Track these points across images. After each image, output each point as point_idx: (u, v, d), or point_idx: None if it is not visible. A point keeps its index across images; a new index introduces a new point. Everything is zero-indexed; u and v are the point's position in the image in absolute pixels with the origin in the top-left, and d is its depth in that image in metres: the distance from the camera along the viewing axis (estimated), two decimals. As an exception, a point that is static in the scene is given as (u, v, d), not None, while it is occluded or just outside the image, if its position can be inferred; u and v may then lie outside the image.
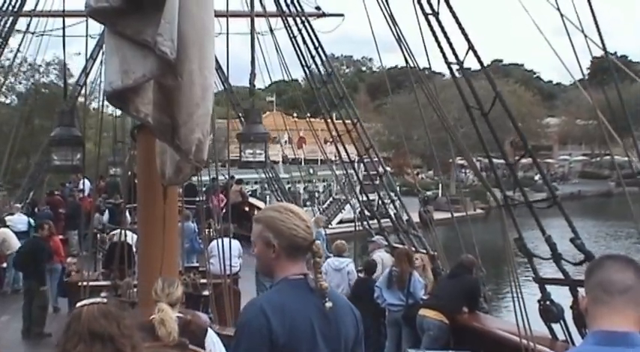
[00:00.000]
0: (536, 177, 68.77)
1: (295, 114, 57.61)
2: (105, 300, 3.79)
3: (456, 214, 15.54)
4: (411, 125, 56.05)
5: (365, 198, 21.76)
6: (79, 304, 3.74)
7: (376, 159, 19.50)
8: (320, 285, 3.85)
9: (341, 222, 44.19)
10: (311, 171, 42.95)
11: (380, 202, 20.08)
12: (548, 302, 10.87)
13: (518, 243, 11.14)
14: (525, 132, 17.29)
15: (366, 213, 21.35)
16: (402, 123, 48.23)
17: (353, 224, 40.23)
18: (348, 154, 20.01)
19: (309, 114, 30.71)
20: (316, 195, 45.95)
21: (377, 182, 19.96)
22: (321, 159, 41.60)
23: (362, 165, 21.14)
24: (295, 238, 3.92)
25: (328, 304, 3.81)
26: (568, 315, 10.51)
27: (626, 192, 10.71)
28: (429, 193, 20.05)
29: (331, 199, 48.80)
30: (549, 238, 10.49)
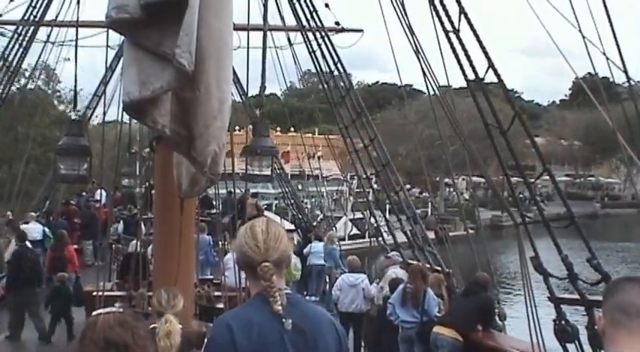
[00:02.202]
0: (521, 197, 68.22)
1: (279, 129, 57.42)
2: (121, 310, 3.80)
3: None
4: (400, 142, 55.94)
5: (380, 214, 21.55)
6: (94, 313, 3.74)
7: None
8: (272, 308, 3.82)
9: (354, 237, 44.05)
10: (299, 186, 42.68)
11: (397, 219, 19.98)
12: (563, 322, 10.80)
13: (534, 261, 11.06)
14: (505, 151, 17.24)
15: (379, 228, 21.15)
16: (390, 139, 48.09)
17: (368, 240, 40.16)
18: (364, 170, 19.86)
19: (292, 128, 30.59)
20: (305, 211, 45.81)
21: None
22: (308, 175, 41.24)
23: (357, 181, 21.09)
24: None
25: (287, 323, 3.79)
26: (583, 335, 10.44)
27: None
28: (417, 212, 19.92)
29: (322, 216, 48.17)
30: (566, 258, 10.41)
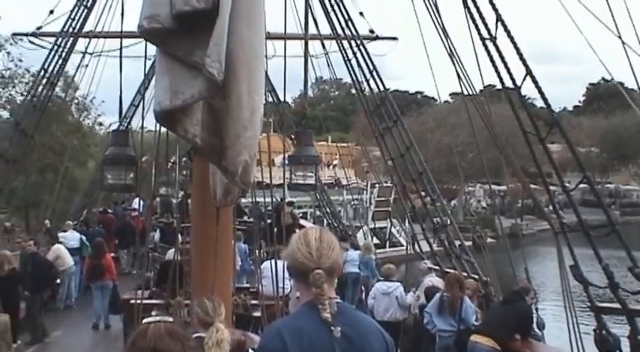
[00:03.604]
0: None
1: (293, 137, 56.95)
2: (171, 319, 3.81)
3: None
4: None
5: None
6: (144, 321, 3.75)
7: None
8: (322, 316, 3.83)
9: (393, 245, 43.83)
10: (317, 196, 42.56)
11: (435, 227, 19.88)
12: (604, 332, 10.66)
13: (574, 270, 10.95)
14: (528, 159, 17.06)
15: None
16: None
17: (404, 247, 39.94)
18: (400, 178, 19.76)
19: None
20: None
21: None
22: (327, 184, 41.04)
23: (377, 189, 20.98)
24: (296, 262, 3.95)
25: (336, 331, 3.80)
26: (625, 347, 10.31)
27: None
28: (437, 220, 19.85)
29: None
30: (607, 266, 10.28)
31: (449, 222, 19.08)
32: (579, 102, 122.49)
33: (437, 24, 13.73)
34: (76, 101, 37.22)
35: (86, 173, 42.14)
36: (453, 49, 13.73)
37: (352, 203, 43.53)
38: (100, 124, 44.22)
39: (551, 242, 10.77)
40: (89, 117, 41.63)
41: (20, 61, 37.39)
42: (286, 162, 13.58)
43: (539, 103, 11.42)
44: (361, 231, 37.24)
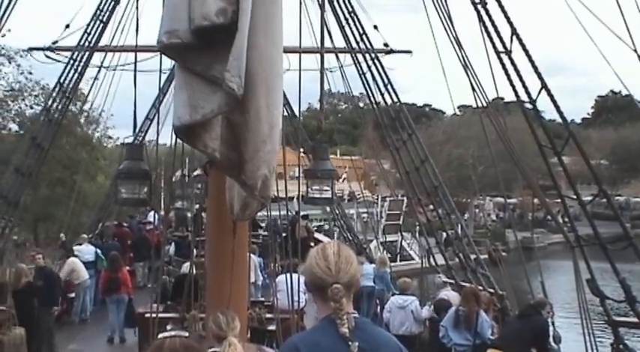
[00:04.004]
0: (549, 218, 66.90)
1: (302, 150, 56.80)
2: (186, 334, 3.82)
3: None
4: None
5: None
6: (160, 335, 3.77)
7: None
8: (340, 331, 3.83)
9: (404, 259, 43.65)
10: (327, 209, 42.26)
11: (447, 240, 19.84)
12: (621, 346, 10.62)
13: (590, 284, 10.92)
14: (537, 171, 17.00)
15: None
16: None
17: (416, 261, 39.74)
18: (416, 192, 19.72)
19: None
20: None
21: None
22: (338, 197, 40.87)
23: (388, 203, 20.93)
24: (314, 277, 3.94)
25: (354, 346, 3.80)
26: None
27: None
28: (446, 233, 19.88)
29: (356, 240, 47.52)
30: (624, 280, 10.25)
31: (464, 236, 19.04)
32: (588, 114, 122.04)
33: (451, 37, 13.74)
34: (85, 114, 37.15)
35: (95, 187, 42.12)
36: (467, 62, 13.73)
37: (363, 216, 43.37)
38: (110, 137, 44.25)
39: (563, 255, 10.80)
40: (98, 130, 41.57)
41: (30, 73, 37.50)
42: (297, 175, 13.57)
43: (547, 116, 11.44)
44: (372, 244, 37.10)
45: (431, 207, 19.70)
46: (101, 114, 38.22)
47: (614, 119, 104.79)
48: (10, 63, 36.33)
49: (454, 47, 13.91)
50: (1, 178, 18.15)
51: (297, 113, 27.90)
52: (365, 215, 44.15)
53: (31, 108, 42.17)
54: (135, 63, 16.05)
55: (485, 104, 14.07)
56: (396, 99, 19.61)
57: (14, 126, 42.55)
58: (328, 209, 35.95)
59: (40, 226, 38.47)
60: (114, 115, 39.35)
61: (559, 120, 11.05)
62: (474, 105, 14.98)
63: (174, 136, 7.61)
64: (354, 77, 23.05)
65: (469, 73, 13.89)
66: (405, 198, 45.69)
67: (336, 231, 39.68)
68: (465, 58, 13.78)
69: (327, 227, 42.44)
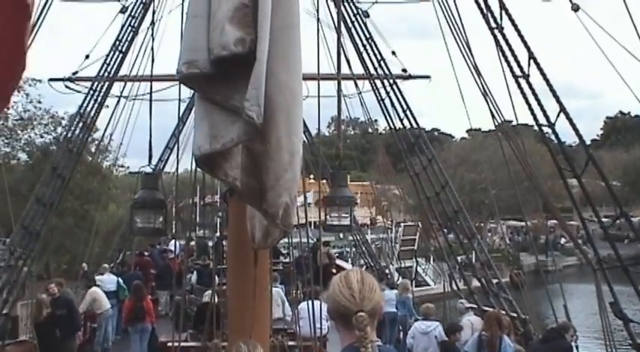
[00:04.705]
0: (562, 241, 66.43)
1: (312, 176, 56.62)
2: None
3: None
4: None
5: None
6: None
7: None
8: None
9: (419, 285, 43.42)
10: (341, 235, 41.92)
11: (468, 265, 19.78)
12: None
13: (614, 307, 10.85)
14: (549, 194, 16.95)
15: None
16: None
17: (431, 287, 39.40)
18: (437, 217, 19.67)
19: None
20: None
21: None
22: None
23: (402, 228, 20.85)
24: (338, 305, 3.92)
25: None
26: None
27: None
28: (461, 258, 19.84)
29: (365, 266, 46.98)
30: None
31: (485, 260, 18.97)
32: (597, 135, 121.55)
33: (469, 62, 13.78)
34: (95, 142, 37.24)
35: (107, 216, 42.05)
36: (486, 86, 13.76)
37: (377, 242, 43.27)
38: (122, 166, 44.16)
39: (578, 278, 10.81)
40: (107, 159, 41.43)
41: (39, 102, 37.60)
42: (309, 201, 13.58)
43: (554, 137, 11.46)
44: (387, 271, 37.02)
45: (445, 231, 19.69)
46: (109, 142, 38.26)
47: (623, 140, 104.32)
48: (18, 92, 36.42)
49: (472, 72, 13.97)
50: (13, 208, 18.16)
51: (314, 140, 27.94)
52: (379, 241, 44.08)
53: (41, 137, 42.33)
54: (150, 92, 16.19)
55: (503, 128, 14.09)
56: (415, 125, 19.63)
57: (23, 156, 42.69)
58: (341, 235, 35.86)
59: (51, 257, 38.52)
60: (128, 144, 39.40)
61: (569, 142, 11.08)
62: (483, 129, 15.07)
63: (194, 165, 7.65)
64: (370, 103, 23.15)
65: (487, 97, 13.93)
66: (419, 224, 45.61)
67: (350, 257, 39.68)
68: (484, 83, 13.82)
69: (343, 252, 42.43)
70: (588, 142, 12.98)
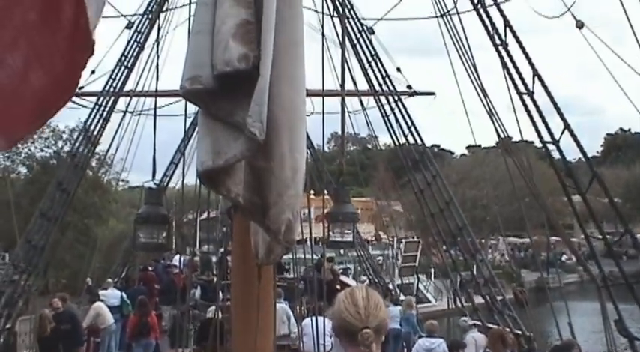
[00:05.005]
0: (564, 258, 66.29)
1: (312, 192, 56.01)
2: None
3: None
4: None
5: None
6: None
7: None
8: None
9: (420, 301, 43.28)
10: (341, 252, 41.76)
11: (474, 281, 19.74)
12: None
13: (618, 325, 10.82)
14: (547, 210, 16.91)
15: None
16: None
17: (432, 303, 39.28)
18: (441, 234, 19.66)
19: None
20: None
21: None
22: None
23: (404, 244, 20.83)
24: (344, 322, 3.95)
25: None
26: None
27: None
28: (465, 274, 19.83)
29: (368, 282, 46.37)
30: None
31: (490, 277, 18.93)
32: (597, 152, 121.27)
33: (474, 81, 13.80)
34: (96, 156, 37.19)
35: (107, 230, 41.93)
36: (491, 105, 13.78)
37: (378, 258, 43.16)
38: (123, 180, 44.01)
39: (579, 295, 10.79)
40: (108, 173, 41.22)
41: None
42: (312, 216, 13.57)
43: (557, 155, 11.46)
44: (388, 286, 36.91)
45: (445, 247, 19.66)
46: (114, 157, 38.23)
47: (624, 157, 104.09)
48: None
49: (477, 91, 13.98)
50: (10, 221, 18.19)
51: (319, 156, 27.93)
52: (380, 257, 43.98)
53: (42, 150, 42.21)
54: (155, 107, 16.22)
55: (506, 144, 14.09)
56: (420, 141, 19.64)
57: (23, 169, 42.56)
58: (342, 251, 35.81)
59: (50, 271, 38.46)
60: (133, 159, 39.33)
61: (569, 158, 11.07)
62: (484, 146, 15.14)
63: (196, 180, 7.66)
64: (372, 119, 23.19)
65: (493, 116, 13.95)
66: (420, 240, 45.50)
67: (351, 273, 39.60)
68: (489, 102, 13.84)
69: (348, 269, 42.34)
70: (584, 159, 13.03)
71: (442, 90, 29.34)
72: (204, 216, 24.01)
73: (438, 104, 28.10)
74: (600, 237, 11.44)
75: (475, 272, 18.67)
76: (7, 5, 2.60)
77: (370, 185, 67.17)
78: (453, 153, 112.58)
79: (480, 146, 63.12)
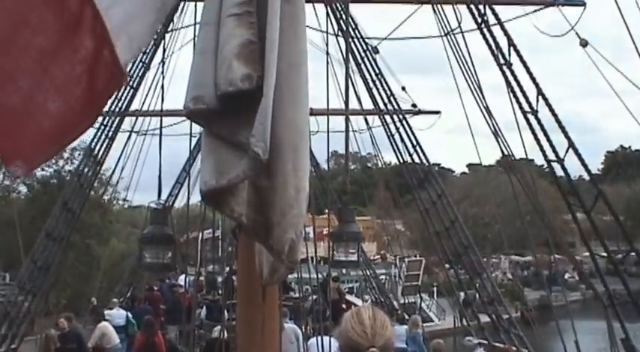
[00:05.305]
0: (566, 276, 66.01)
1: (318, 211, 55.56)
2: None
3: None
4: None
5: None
6: None
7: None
8: None
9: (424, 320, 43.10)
10: (343, 271, 41.33)
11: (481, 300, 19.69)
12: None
13: (625, 344, 10.78)
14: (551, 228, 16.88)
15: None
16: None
17: (435, 322, 39.10)
18: (447, 252, 19.63)
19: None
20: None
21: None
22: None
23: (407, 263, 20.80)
24: (350, 341, 3.95)
25: None
26: None
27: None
28: (470, 293, 19.79)
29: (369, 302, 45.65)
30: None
31: (495, 295, 18.87)
32: (598, 170, 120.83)
33: (479, 100, 13.82)
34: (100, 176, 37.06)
35: (108, 250, 41.82)
36: (496, 125, 13.80)
37: (380, 277, 43.01)
38: (124, 200, 43.82)
39: (583, 314, 10.71)
40: (113, 192, 41.10)
41: None
42: (312, 235, 13.53)
43: (559, 172, 11.46)
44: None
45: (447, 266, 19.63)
46: (111, 175, 38.07)
47: (624, 174, 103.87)
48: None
49: (482, 111, 14.00)
50: (13, 241, 18.23)
51: (324, 174, 27.96)
52: (383, 276, 43.81)
53: (42, 170, 42.07)
54: (160, 127, 16.24)
55: (508, 162, 14.10)
56: (425, 160, 19.64)
57: (23, 189, 42.49)
58: (344, 270, 35.75)
59: (52, 292, 38.33)
60: (139, 179, 39.26)
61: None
62: (484, 164, 15.16)
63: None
64: (376, 138, 23.22)
65: (498, 137, 13.97)
66: (423, 259, 45.31)
67: (354, 292, 39.47)
68: (495, 123, 13.86)
69: (354, 288, 42.23)
70: (586, 177, 13.06)
71: (439, 107, 29.52)
72: (206, 234, 24.02)
73: (440, 123, 28.10)
74: (604, 254, 11.41)
75: (480, 291, 18.62)
76: (15, 31, 2.67)
77: (371, 203, 67.16)
78: (453, 172, 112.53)
79: (480, 164, 63.27)
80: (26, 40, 2.71)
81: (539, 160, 11.71)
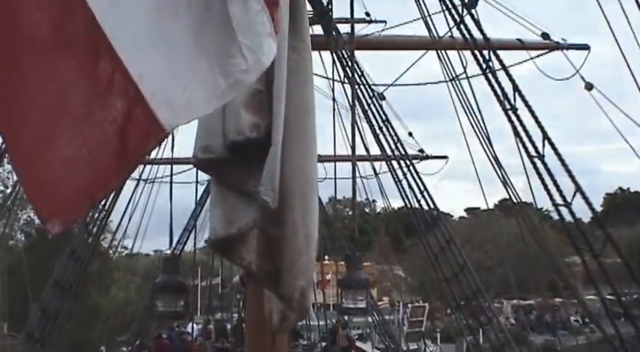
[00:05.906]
0: (572, 319, 65.36)
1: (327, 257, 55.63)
2: None
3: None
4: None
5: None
6: None
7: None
8: None
9: None
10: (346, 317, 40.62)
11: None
12: None
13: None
14: (548, 272, 16.83)
15: None
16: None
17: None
18: (455, 298, 19.52)
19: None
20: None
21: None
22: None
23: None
24: None
25: None
26: None
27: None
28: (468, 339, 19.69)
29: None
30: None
31: (506, 340, 18.74)
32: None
33: (486, 147, 13.88)
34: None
35: (108, 298, 41.55)
36: (505, 174, 13.85)
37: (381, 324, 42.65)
38: (125, 248, 43.61)
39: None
40: (120, 240, 40.96)
41: None
42: (316, 280, 13.51)
43: (555, 215, 11.45)
44: None
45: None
46: (119, 226, 37.94)
47: (624, 217, 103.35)
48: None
49: (490, 160, 14.04)
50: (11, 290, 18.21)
51: (334, 221, 27.96)
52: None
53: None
54: (171, 175, 16.30)
55: (507, 206, 14.11)
56: (433, 206, 19.61)
57: (22, 237, 42.31)
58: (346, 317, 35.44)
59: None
60: (146, 227, 39.07)
61: (569, 218, 11.06)
62: (482, 208, 15.22)
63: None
64: (372, 183, 23.28)
65: (505, 185, 14.00)
66: (427, 305, 44.91)
67: (363, 337, 39.15)
68: (504, 173, 13.90)
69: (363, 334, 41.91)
70: (588, 219, 13.06)
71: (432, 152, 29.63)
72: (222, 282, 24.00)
73: (432, 167, 28.16)
74: (610, 297, 11.38)
75: (489, 336, 18.49)
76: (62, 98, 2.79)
77: (370, 249, 67.02)
78: (452, 216, 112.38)
79: (479, 208, 63.10)
80: (66, 106, 2.81)
81: (539, 203, 11.73)
